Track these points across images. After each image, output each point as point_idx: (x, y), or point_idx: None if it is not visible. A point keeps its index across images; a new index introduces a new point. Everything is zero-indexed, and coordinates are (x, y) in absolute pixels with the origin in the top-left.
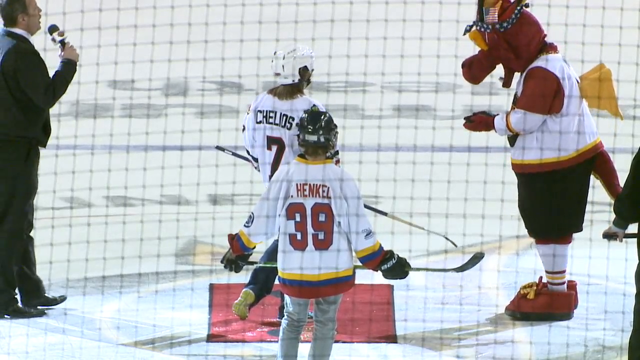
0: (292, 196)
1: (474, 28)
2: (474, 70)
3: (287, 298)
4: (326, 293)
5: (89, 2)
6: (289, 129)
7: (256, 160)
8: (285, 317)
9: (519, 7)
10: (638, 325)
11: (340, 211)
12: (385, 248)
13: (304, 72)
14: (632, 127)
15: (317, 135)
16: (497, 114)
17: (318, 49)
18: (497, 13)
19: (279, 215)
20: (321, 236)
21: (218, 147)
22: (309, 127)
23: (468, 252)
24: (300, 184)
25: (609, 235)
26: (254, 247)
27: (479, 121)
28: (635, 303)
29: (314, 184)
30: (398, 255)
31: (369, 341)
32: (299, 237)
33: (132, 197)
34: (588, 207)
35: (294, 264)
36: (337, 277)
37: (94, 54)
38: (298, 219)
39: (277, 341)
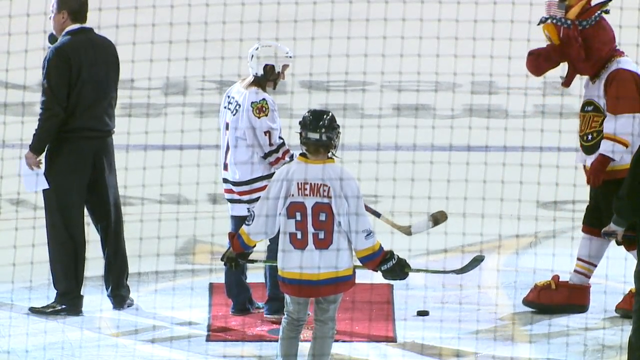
0: (292, 195)
1: (549, 20)
2: (541, 61)
3: (287, 297)
4: (326, 292)
5: (88, 1)
6: (233, 114)
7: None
8: (285, 316)
9: (599, 11)
10: (638, 325)
11: (340, 210)
12: (386, 248)
13: (270, 70)
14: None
15: (320, 134)
16: (598, 151)
17: (317, 48)
18: (573, 9)
19: (280, 214)
20: (321, 235)
21: None
22: (311, 125)
23: (468, 252)
24: (301, 183)
25: (608, 234)
26: (254, 246)
27: (596, 171)
28: (634, 302)
29: (314, 183)
30: (398, 256)
31: (369, 340)
32: (299, 236)
33: (131, 196)
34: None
35: (293, 263)
36: (336, 276)
37: None
38: (299, 218)
39: (276, 340)
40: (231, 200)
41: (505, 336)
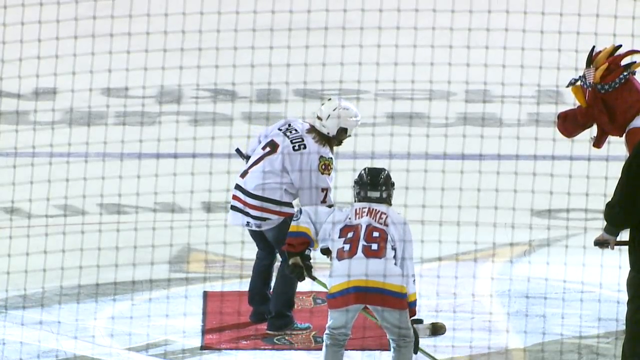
0: (349, 218)
1: (578, 82)
2: (568, 124)
3: (331, 314)
4: (373, 301)
5: (82, 10)
6: (295, 150)
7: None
8: (328, 334)
9: (625, 73)
10: (630, 333)
11: (396, 237)
12: None
13: (342, 132)
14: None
15: (380, 192)
16: None
17: (312, 56)
18: (595, 73)
19: (332, 239)
20: (374, 247)
21: (238, 150)
22: (371, 184)
23: (461, 259)
24: (359, 208)
25: (600, 243)
26: (310, 236)
27: None
28: (627, 310)
29: (374, 209)
30: (419, 329)
31: (363, 348)
32: (346, 248)
33: (125, 204)
34: (582, 215)
35: (342, 272)
36: (384, 287)
37: (88, 61)
38: (350, 235)
39: (270, 349)
40: (234, 208)
41: (500, 345)
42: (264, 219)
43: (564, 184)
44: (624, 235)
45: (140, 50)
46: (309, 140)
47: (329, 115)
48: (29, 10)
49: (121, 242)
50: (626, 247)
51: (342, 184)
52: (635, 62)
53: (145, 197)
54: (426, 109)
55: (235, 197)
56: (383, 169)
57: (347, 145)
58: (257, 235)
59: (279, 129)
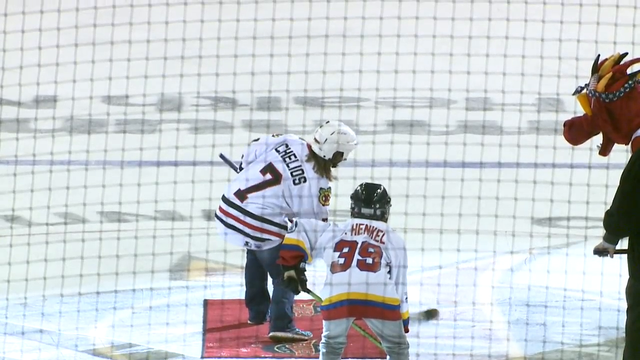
0: (345, 233)
1: (584, 90)
2: (574, 132)
3: (326, 324)
4: (373, 314)
5: (83, 17)
6: (295, 184)
7: (240, 169)
8: (324, 342)
9: (630, 82)
10: (631, 341)
11: (391, 257)
12: None
13: (338, 156)
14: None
15: (374, 209)
16: None
17: (312, 64)
18: (599, 82)
19: (326, 247)
20: (368, 261)
21: (222, 156)
22: (365, 200)
23: (462, 267)
24: (356, 224)
25: (599, 252)
26: (305, 249)
27: None
28: (627, 319)
29: (371, 225)
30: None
31: (363, 357)
32: (340, 261)
33: (126, 212)
34: (582, 223)
35: (339, 281)
36: (383, 302)
37: (88, 69)
38: (345, 250)
39: (271, 357)
40: (232, 227)
41: (500, 353)
42: (264, 240)
43: (565, 192)
44: (624, 243)
45: (140, 58)
46: (309, 170)
47: (327, 140)
48: (29, 18)
49: (121, 250)
50: (626, 255)
51: (342, 192)
52: (637, 72)
53: (146, 205)
54: (427, 117)
55: (231, 216)
56: (379, 186)
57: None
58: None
59: (277, 151)
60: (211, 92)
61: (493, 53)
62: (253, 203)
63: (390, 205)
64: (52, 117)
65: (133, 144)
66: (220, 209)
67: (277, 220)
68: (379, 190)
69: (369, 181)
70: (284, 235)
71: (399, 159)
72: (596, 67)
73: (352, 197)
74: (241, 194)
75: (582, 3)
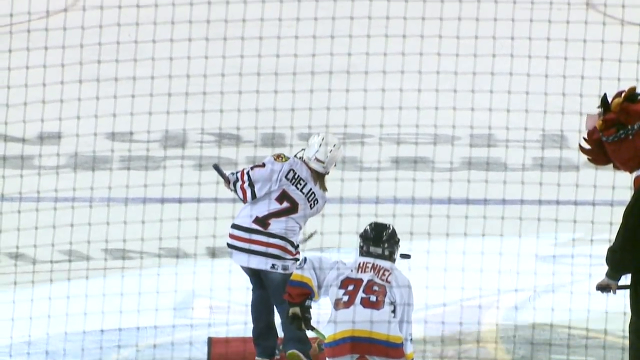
0: (351, 270)
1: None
2: (592, 158)
3: None
4: (377, 352)
5: (87, 53)
6: (311, 207)
7: (252, 193)
8: None
9: (622, 131)
10: None
11: (396, 297)
12: None
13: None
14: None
15: (382, 248)
16: None
17: (316, 100)
18: (599, 120)
19: (332, 285)
20: (372, 298)
21: (216, 167)
22: (374, 239)
23: (466, 305)
24: (363, 262)
25: (602, 288)
26: (311, 286)
27: None
28: (629, 356)
29: (378, 265)
30: None
31: None
32: (344, 299)
33: (130, 250)
34: (586, 261)
35: (343, 319)
36: (387, 340)
37: (93, 106)
38: (350, 288)
39: None
40: (256, 252)
41: None
42: (288, 260)
43: (569, 228)
44: (627, 279)
45: (144, 94)
46: (317, 190)
47: (329, 157)
48: (33, 54)
49: (126, 288)
50: (628, 291)
51: (346, 229)
52: None
53: (150, 242)
54: (431, 153)
55: (255, 242)
56: (388, 226)
57: (351, 189)
58: (256, 277)
59: (287, 178)
60: (215, 129)
61: (497, 89)
62: (277, 227)
63: (399, 246)
64: (57, 154)
65: (137, 180)
66: (239, 237)
67: (295, 239)
68: (388, 230)
69: (374, 219)
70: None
71: (403, 196)
72: (606, 102)
73: (361, 236)
74: (262, 221)
75: (586, 39)
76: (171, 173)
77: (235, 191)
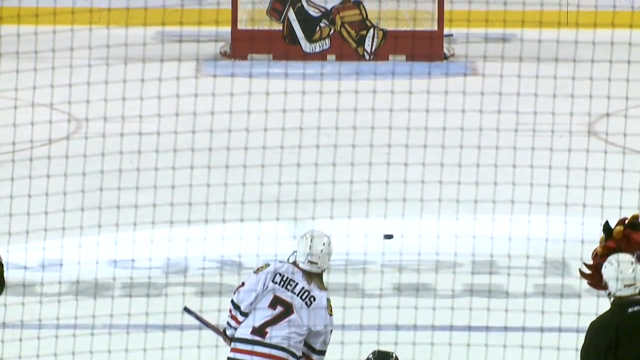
0: None
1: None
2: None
3: None
4: None
5: (89, 181)
6: (308, 305)
7: (241, 313)
8: None
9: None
10: None
11: None
12: None
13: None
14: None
15: None
16: None
17: (318, 228)
18: (597, 248)
19: None
20: None
21: (186, 309)
22: None
23: None
24: None
25: None
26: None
27: None
28: None
29: None
30: None
31: None
32: None
33: None
34: None
35: None
36: None
37: (95, 233)
38: None
39: None
40: None
41: None
42: None
43: (571, 356)
44: None
45: (146, 222)
46: (313, 288)
47: (321, 257)
48: (35, 182)
49: None
50: None
51: (348, 357)
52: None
53: None
54: (432, 280)
55: (257, 353)
56: (391, 354)
57: (353, 317)
58: None
59: (274, 282)
60: (217, 256)
61: (499, 217)
62: (277, 336)
63: None
64: (58, 281)
65: (139, 308)
66: (240, 350)
67: (299, 353)
68: (391, 359)
69: (376, 347)
70: None
71: (404, 323)
72: (610, 229)
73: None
74: (259, 331)
75: (588, 167)
76: (173, 300)
77: (228, 338)
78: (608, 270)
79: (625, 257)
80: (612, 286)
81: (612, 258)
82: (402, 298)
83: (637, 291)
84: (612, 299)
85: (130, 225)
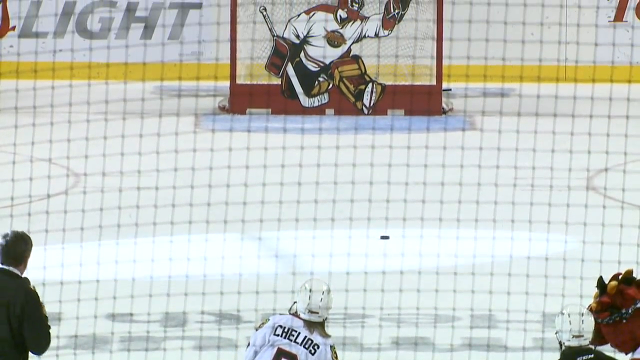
0: None
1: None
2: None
3: None
4: None
5: (87, 235)
6: (313, 353)
7: None
8: None
9: (615, 315)
10: None
11: None
12: None
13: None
14: None
15: None
16: None
17: (317, 282)
18: (592, 303)
19: None
20: None
21: None
22: None
23: None
24: None
25: None
26: None
27: None
28: None
29: None
30: None
31: None
32: None
33: None
34: None
35: None
36: None
37: (93, 288)
38: None
39: None
40: None
41: None
42: None
43: None
44: None
45: (145, 276)
46: (316, 337)
47: (321, 306)
48: (34, 237)
49: None
50: None
51: None
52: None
53: None
54: (431, 334)
55: None
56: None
57: None
58: None
59: (275, 335)
60: (216, 310)
61: (497, 272)
62: None
63: None
64: (57, 336)
65: None
66: None
67: None
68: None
69: None
70: None
71: None
72: (603, 285)
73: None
74: None
75: (586, 222)
76: (171, 354)
77: None
78: (558, 321)
79: (575, 309)
80: (562, 337)
81: (564, 309)
82: (400, 352)
83: (586, 343)
84: (562, 349)
85: (128, 280)
